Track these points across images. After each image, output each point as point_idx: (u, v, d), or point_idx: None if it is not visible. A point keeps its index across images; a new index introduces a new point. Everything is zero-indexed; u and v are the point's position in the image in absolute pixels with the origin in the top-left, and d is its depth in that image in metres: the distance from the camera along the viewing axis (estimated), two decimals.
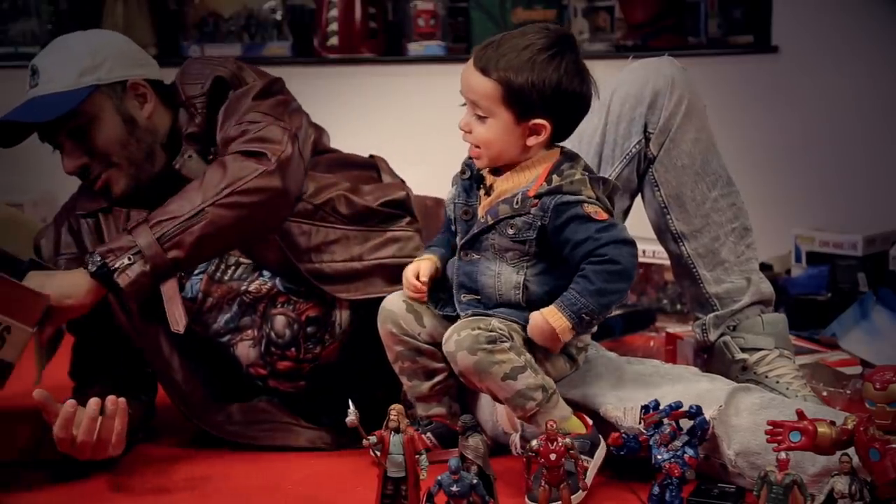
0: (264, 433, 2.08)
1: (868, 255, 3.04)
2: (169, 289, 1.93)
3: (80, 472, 1.92)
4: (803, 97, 3.43)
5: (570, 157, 1.83)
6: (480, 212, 1.83)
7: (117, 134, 2.05)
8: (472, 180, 1.86)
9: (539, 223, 1.77)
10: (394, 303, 1.92)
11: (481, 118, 1.80)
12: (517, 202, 1.79)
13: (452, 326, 1.79)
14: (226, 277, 2.10)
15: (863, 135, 3.40)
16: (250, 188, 1.91)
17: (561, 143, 1.86)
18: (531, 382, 1.77)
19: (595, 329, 1.91)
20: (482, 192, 1.85)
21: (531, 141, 1.80)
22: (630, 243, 1.76)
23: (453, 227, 1.89)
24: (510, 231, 1.79)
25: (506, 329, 1.77)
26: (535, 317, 1.77)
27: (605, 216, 1.76)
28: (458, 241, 1.86)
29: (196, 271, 2.10)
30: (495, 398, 1.81)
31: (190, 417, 2.09)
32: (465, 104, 1.83)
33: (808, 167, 3.42)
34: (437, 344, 1.88)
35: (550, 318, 1.75)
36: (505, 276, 1.81)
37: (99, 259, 1.88)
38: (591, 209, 1.76)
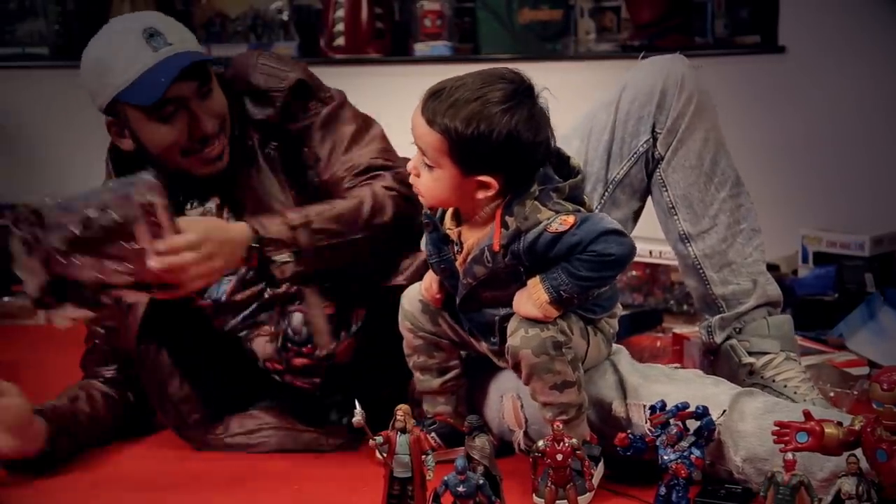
0: (264, 440, 2.08)
1: (875, 256, 3.04)
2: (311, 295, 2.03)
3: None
4: (810, 97, 3.42)
5: (514, 186, 1.74)
6: (459, 268, 1.81)
7: (225, 102, 2.06)
8: (437, 234, 1.83)
9: (519, 267, 1.75)
10: (411, 303, 1.93)
11: (429, 167, 1.73)
12: (487, 260, 1.75)
13: (519, 320, 1.75)
14: (254, 283, 2.10)
15: (870, 135, 3.39)
16: (392, 224, 2.01)
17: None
18: (573, 399, 1.77)
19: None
20: (454, 246, 1.81)
21: (479, 195, 1.73)
22: (614, 232, 1.70)
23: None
24: (497, 282, 1.77)
25: (566, 326, 1.75)
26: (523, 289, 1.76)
27: (571, 220, 1.70)
28: (457, 299, 1.85)
29: (227, 275, 2.07)
30: (532, 395, 1.79)
31: (185, 439, 2.09)
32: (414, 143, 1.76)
33: (815, 167, 3.41)
34: (451, 341, 1.92)
35: (532, 288, 1.74)
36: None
37: (257, 245, 1.90)
38: (555, 226, 1.70)
